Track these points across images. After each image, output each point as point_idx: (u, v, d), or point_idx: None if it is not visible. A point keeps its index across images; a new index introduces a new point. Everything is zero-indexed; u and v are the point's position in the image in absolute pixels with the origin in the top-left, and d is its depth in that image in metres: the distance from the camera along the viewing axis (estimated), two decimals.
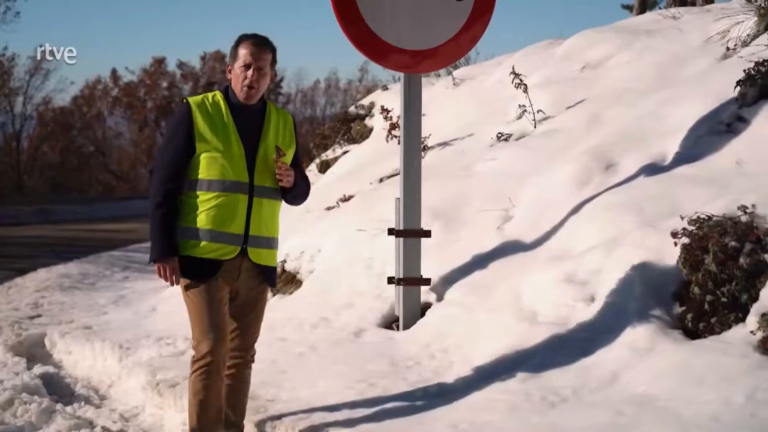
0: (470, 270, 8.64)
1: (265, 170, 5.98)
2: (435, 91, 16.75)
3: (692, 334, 6.61)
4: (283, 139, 6.10)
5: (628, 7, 28.37)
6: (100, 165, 65.74)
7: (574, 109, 11.57)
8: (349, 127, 17.77)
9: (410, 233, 8.38)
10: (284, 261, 10.57)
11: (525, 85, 11.65)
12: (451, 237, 9.29)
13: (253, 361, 6.34)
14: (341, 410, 6.55)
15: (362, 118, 17.89)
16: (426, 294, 8.54)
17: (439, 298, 8.48)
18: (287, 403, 6.91)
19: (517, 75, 11.63)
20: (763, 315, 6.08)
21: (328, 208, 12.29)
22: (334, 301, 9.24)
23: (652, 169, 8.78)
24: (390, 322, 8.53)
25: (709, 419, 5.49)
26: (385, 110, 14.95)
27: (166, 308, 11.18)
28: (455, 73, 17.28)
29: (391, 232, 8.47)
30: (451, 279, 8.62)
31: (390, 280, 8.51)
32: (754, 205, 6.72)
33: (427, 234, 8.48)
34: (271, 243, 6.13)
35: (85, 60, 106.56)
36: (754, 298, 6.38)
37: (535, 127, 11.62)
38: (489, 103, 14.11)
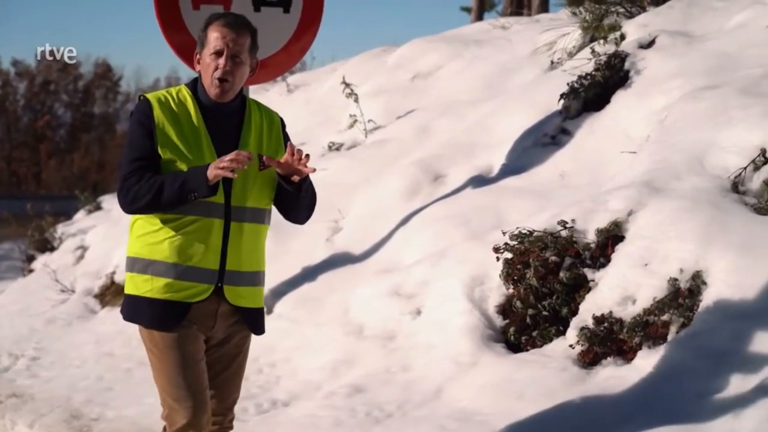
0: (300, 282, 8.64)
1: (245, 187, 4.69)
2: (269, 97, 16.67)
3: (515, 347, 6.73)
4: (268, 146, 4.81)
5: (467, 9, 28.86)
6: None
7: (404, 119, 11.64)
8: None
9: None
10: (113, 272, 10.43)
11: (356, 95, 11.67)
12: (282, 248, 9.24)
13: (231, 427, 4.99)
14: None
15: None
16: None
17: (269, 311, 8.43)
18: (112, 422, 6.83)
19: (347, 85, 11.64)
20: (582, 329, 6.20)
21: None
22: None
23: (479, 180, 8.90)
24: None
25: None
26: None
27: None
28: (290, 79, 17.23)
29: None
30: (280, 292, 8.60)
31: None
32: (574, 220, 6.86)
33: None
34: (254, 279, 4.86)
35: None
36: (574, 312, 6.51)
37: (366, 136, 11.66)
38: (322, 111, 14.10)
